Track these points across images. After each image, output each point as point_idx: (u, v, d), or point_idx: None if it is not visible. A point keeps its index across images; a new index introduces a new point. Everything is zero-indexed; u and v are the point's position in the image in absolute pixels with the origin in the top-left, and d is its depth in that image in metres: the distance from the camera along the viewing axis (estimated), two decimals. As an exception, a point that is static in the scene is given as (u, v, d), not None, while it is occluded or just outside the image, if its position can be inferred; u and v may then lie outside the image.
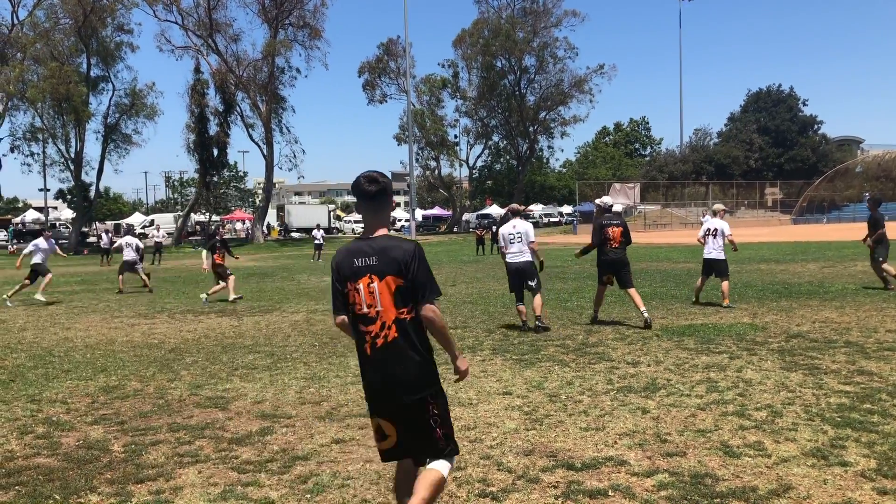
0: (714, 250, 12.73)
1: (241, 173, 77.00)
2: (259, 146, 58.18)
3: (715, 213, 13.28)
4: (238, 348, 9.76)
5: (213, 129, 56.59)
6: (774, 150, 76.93)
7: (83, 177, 55.62)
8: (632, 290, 10.74)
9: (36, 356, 9.51)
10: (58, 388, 7.56)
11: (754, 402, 6.29)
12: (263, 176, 61.43)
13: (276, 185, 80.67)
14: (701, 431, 5.53)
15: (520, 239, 10.53)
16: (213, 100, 56.54)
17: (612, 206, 11.68)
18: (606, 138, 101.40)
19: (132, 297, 17.11)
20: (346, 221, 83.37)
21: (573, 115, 70.03)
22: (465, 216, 76.23)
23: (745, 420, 5.76)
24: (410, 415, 3.61)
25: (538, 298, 10.52)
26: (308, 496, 4.45)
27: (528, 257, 10.55)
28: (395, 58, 66.96)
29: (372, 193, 3.59)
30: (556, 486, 4.52)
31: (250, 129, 58.10)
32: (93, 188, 57.69)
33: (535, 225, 73.07)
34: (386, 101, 69.83)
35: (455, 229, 72.30)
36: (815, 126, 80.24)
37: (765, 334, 9.60)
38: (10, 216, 74.07)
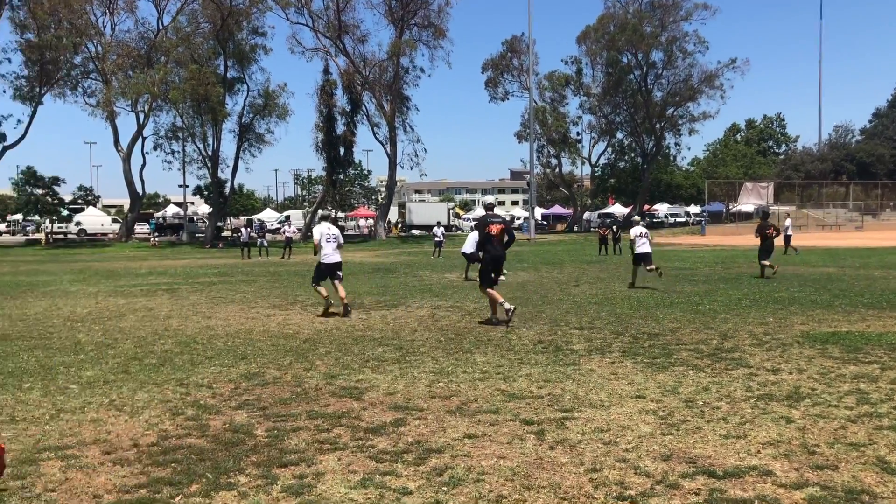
0: None
1: (365, 171, 78.97)
2: (383, 145, 59.53)
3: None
4: (368, 341, 10.00)
5: (340, 128, 58.39)
6: (925, 148, 71.62)
7: (219, 174, 58.66)
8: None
9: (181, 342, 10.09)
10: (203, 374, 7.99)
11: (913, 416, 5.87)
12: (386, 174, 62.76)
13: (398, 183, 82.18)
14: (853, 445, 5.21)
15: None
16: (341, 100, 58.35)
17: (493, 205, 12.79)
18: (737, 135, 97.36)
19: (266, 289, 17.87)
20: (464, 219, 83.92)
21: (702, 111, 67.71)
22: (586, 215, 75.14)
23: (904, 435, 5.38)
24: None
25: None
26: (444, 489, 4.50)
27: None
28: (518, 55, 66.84)
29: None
30: (697, 493, 4.37)
31: (375, 129, 59.55)
32: (228, 185, 60.70)
33: (661, 225, 71.25)
34: (508, 99, 69.89)
35: (575, 228, 71.41)
36: (973, 121, 74.10)
37: (920, 345, 8.94)
38: (151, 211, 79.09)
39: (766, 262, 19.01)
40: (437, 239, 34.90)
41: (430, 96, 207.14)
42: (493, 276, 11.67)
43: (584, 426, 5.80)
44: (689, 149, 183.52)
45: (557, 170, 73.34)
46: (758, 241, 19.56)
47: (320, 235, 12.90)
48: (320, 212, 13.10)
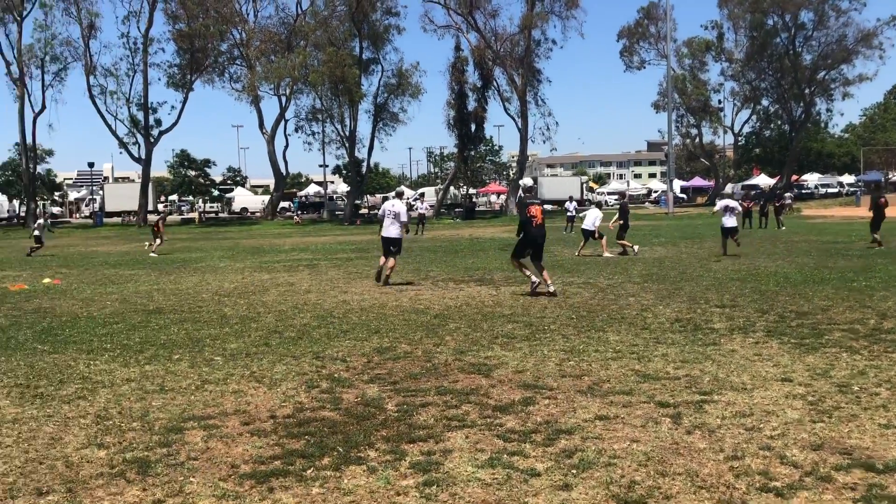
0: None
1: (496, 147, 78.91)
2: (514, 119, 59.24)
3: None
4: (497, 317, 9.94)
5: (471, 104, 58.50)
6: None
7: (356, 153, 60.33)
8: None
9: (319, 316, 10.41)
10: (338, 347, 8.19)
11: None
12: (517, 149, 62.41)
13: (529, 158, 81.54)
14: None
15: None
16: (472, 76, 58.46)
17: (533, 186, 13.57)
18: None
19: (399, 265, 18.17)
20: (598, 193, 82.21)
21: (858, 73, 62.83)
22: (728, 187, 71.73)
23: None
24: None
25: None
26: (574, 472, 4.36)
27: None
28: (654, 21, 64.54)
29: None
30: (853, 488, 4.01)
31: (506, 103, 59.32)
32: (364, 164, 62.33)
33: (811, 196, 66.94)
34: (644, 68, 67.84)
35: (717, 201, 68.31)
36: None
37: None
38: (295, 190, 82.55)
39: (876, 235, 19.47)
40: (569, 213, 34.39)
41: (562, 68, 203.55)
42: (528, 252, 12.34)
43: (725, 410, 5.47)
44: (841, 114, 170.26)
45: (697, 140, 70.44)
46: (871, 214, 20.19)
47: (383, 211, 14.25)
48: (395, 190, 14.56)
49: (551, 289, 11.93)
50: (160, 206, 38.24)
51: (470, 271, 16.26)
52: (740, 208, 19.58)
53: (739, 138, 72.11)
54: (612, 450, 4.70)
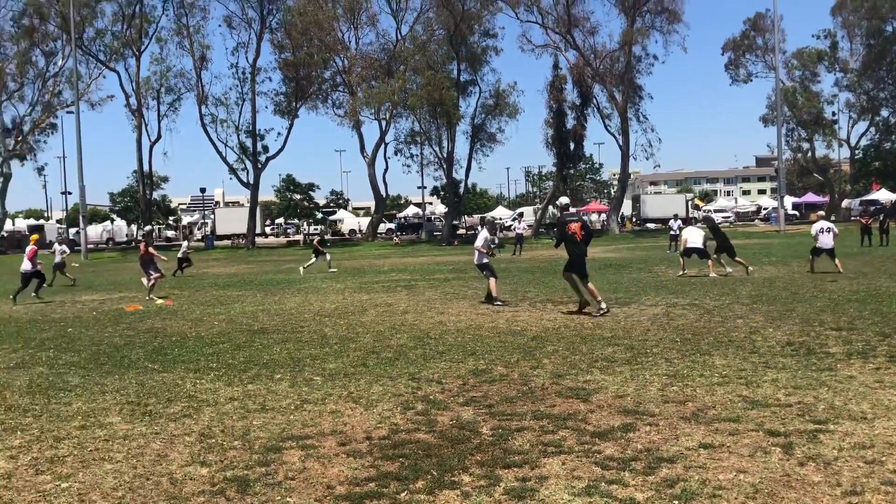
0: None
1: (596, 165, 77.92)
2: (615, 137, 58.34)
3: None
4: (597, 340, 9.71)
5: (570, 122, 58.09)
6: None
7: (454, 174, 60.81)
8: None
9: (415, 337, 10.45)
10: (434, 369, 8.18)
11: None
12: (618, 166, 61.39)
13: (632, 176, 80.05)
14: None
15: None
16: (571, 94, 58.07)
17: (569, 204, 13.79)
18: None
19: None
20: (705, 211, 79.71)
21: None
22: (845, 202, 68.16)
23: None
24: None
25: None
26: (675, 503, 4.16)
27: None
28: (762, 33, 62.37)
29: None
30: None
31: (606, 121, 58.51)
32: (462, 184, 62.72)
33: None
34: (751, 81, 65.51)
35: (832, 217, 65.03)
36: None
37: None
38: (394, 211, 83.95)
39: None
40: (672, 232, 33.42)
41: (664, 83, 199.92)
42: (582, 270, 12.29)
43: (842, 441, 5.12)
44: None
45: (810, 154, 67.42)
46: None
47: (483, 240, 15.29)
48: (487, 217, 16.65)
49: (603, 305, 11.96)
50: (319, 228, 40.68)
51: (569, 292, 15.95)
52: (836, 229, 18.70)
53: (856, 151, 68.53)
54: (717, 480, 4.47)
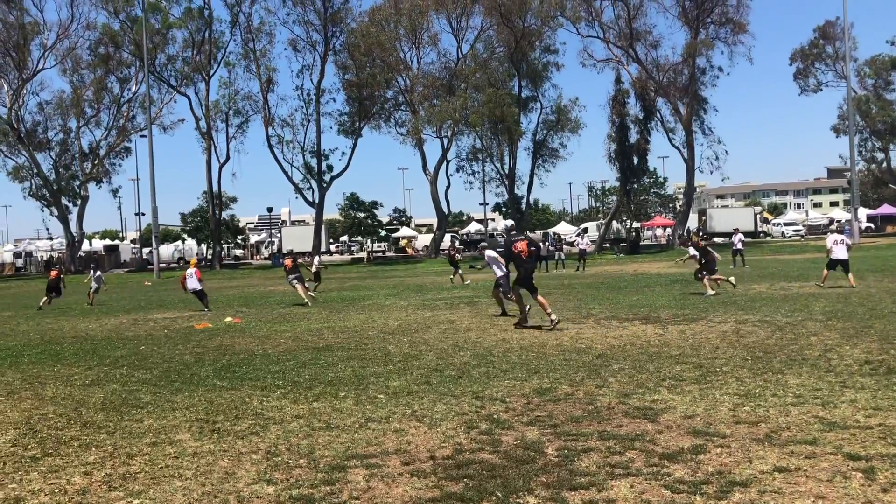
0: None
1: (660, 179, 76.58)
2: (679, 150, 57.41)
3: None
4: (664, 358, 9.50)
5: (633, 137, 57.40)
6: None
7: (515, 190, 60.75)
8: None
9: (479, 355, 10.40)
10: (497, 387, 8.12)
11: None
12: (684, 180, 60.30)
13: (697, 189, 78.50)
14: None
15: None
16: (633, 108, 57.45)
17: (514, 225, 15.54)
18: None
19: (559, 302, 17.94)
20: (774, 224, 77.55)
21: None
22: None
23: None
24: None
25: None
26: (750, 530, 4.01)
27: None
28: (831, 41, 60.74)
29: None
30: None
31: (670, 134, 57.66)
32: (524, 200, 62.57)
33: None
34: (821, 90, 63.78)
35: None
36: None
37: None
38: (457, 228, 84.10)
39: None
40: (734, 248, 32.61)
41: (730, 95, 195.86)
42: (530, 285, 13.19)
43: (929, 467, 4.86)
44: None
45: (885, 164, 65.05)
46: None
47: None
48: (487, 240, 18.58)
49: (553, 317, 12.80)
50: (457, 244, 47.37)
51: (634, 308, 15.73)
52: (850, 241, 18.52)
53: (936, 160, 65.92)
54: (795, 507, 4.29)
